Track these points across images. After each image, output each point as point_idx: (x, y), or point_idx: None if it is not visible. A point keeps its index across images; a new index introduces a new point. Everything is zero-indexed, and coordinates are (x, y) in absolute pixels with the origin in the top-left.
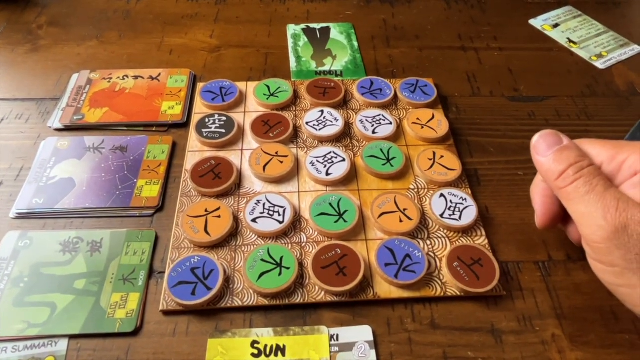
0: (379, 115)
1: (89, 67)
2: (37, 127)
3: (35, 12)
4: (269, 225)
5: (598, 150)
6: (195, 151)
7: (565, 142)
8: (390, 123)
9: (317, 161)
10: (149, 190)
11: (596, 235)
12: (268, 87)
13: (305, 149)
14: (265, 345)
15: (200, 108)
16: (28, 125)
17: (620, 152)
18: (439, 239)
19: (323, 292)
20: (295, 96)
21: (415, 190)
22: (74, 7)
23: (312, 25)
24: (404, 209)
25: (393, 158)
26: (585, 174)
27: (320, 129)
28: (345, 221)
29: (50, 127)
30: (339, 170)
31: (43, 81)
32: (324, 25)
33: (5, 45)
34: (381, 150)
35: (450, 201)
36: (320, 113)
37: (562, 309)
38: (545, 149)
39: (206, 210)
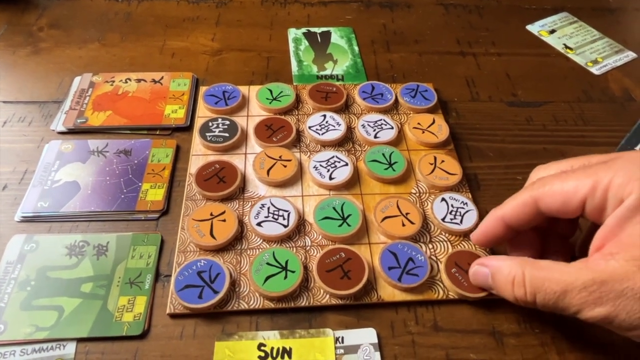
0: (381, 119)
1: (90, 69)
2: (40, 130)
3: (36, 14)
4: (274, 229)
5: (572, 183)
6: (199, 155)
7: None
8: (392, 128)
9: (321, 165)
10: (153, 193)
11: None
12: (270, 91)
13: (308, 153)
14: (272, 348)
15: (203, 112)
16: (31, 128)
17: (599, 180)
18: (441, 243)
19: (328, 295)
20: (298, 100)
21: (417, 194)
22: (74, 8)
23: (312, 29)
24: (407, 213)
25: (395, 162)
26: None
27: (322, 134)
28: (348, 225)
29: (53, 130)
30: (342, 174)
31: (45, 84)
32: (325, 29)
33: (6, 48)
34: (383, 154)
35: (452, 205)
36: (322, 117)
37: None
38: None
39: (211, 214)
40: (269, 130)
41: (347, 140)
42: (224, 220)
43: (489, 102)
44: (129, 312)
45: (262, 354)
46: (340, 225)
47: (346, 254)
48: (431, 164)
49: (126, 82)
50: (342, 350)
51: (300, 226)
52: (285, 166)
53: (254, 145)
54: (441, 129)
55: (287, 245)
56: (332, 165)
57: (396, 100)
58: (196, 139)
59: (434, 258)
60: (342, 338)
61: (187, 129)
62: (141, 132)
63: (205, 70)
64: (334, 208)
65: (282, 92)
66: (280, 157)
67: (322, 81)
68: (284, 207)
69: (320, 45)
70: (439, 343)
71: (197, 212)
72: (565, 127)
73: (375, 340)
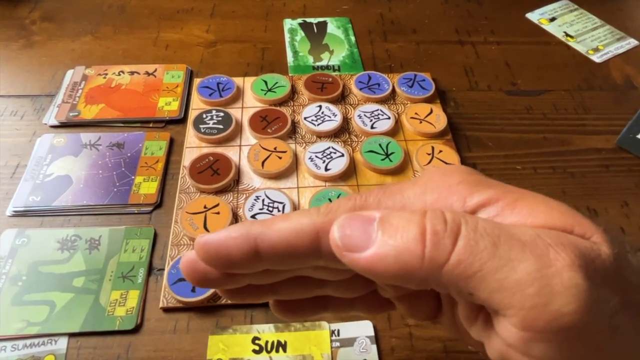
0: (377, 110)
1: (83, 62)
2: (32, 124)
3: (29, 8)
4: None
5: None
6: (193, 147)
7: (378, 212)
8: (389, 118)
9: (316, 156)
10: (147, 187)
11: (570, 307)
12: (265, 82)
13: (304, 144)
14: (267, 342)
15: (198, 104)
16: (23, 122)
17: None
18: None
19: None
20: (293, 91)
21: None
22: (67, 2)
23: (309, 20)
24: None
25: (392, 153)
26: (460, 220)
27: (318, 124)
28: None
29: (45, 123)
30: (338, 165)
31: (37, 77)
32: (321, 19)
33: None
34: (380, 145)
35: None
36: (318, 108)
37: None
38: (361, 234)
39: (205, 207)
40: (263, 122)
41: (343, 131)
42: (218, 213)
43: (488, 91)
44: (122, 307)
45: (257, 348)
46: None
47: None
48: (429, 154)
49: (119, 74)
50: (338, 344)
51: None
52: (280, 158)
53: (249, 137)
54: (439, 119)
55: None
56: (328, 157)
57: (393, 90)
58: (190, 131)
59: None
60: (338, 331)
61: (181, 121)
62: (134, 125)
63: (199, 62)
64: (329, 199)
65: (277, 83)
66: (275, 148)
67: (318, 72)
68: (278, 199)
69: (316, 35)
70: (436, 335)
71: (191, 205)
72: (566, 116)
73: (372, 333)
